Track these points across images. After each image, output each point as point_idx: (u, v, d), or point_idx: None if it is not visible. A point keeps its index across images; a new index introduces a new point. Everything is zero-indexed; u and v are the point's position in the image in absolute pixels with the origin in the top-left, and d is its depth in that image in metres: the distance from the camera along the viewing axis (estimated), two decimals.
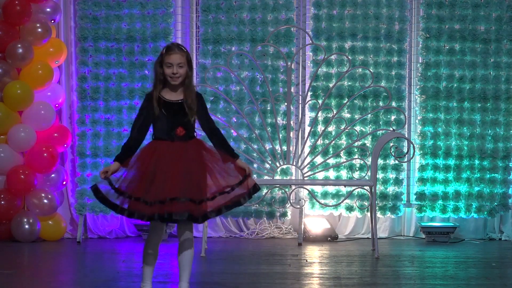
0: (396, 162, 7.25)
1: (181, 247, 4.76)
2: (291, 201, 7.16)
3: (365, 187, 7.01)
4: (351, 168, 7.33)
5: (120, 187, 4.63)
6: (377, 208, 7.18)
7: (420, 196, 7.37)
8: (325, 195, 7.36)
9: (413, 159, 7.34)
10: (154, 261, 4.85)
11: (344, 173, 7.38)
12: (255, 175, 6.93)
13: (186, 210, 4.55)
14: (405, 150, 7.06)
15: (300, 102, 7.36)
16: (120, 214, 4.67)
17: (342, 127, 7.25)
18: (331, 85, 7.29)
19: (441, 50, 7.39)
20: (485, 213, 7.35)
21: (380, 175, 7.32)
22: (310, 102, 7.30)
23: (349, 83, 7.33)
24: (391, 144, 6.95)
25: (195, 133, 4.78)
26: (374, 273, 6.01)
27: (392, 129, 7.04)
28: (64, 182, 7.50)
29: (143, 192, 4.57)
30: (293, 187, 7.14)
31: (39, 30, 7.29)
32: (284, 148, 7.23)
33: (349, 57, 7.26)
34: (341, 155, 7.34)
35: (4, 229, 7.29)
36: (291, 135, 7.33)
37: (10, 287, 5.39)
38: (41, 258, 6.62)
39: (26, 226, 7.21)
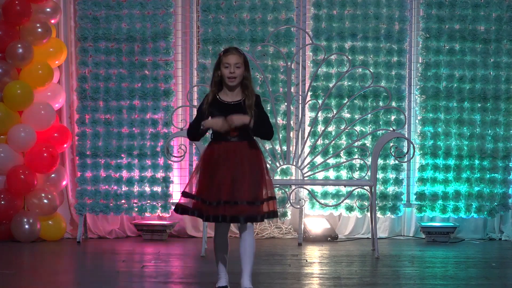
0: (396, 162, 7.25)
1: (241, 241, 4.82)
2: (291, 201, 7.16)
3: (365, 187, 7.01)
4: (351, 168, 7.33)
5: (191, 191, 4.86)
6: (377, 208, 7.18)
7: (420, 196, 7.37)
8: (325, 195, 7.36)
9: (413, 159, 7.34)
10: (225, 256, 4.95)
11: (344, 173, 7.38)
12: None
13: (243, 213, 4.71)
14: (405, 150, 7.06)
15: (300, 102, 7.36)
16: (191, 215, 4.87)
17: (342, 127, 7.25)
18: (331, 85, 7.28)
19: (441, 50, 7.39)
20: (485, 213, 7.35)
21: (380, 175, 7.32)
22: (310, 102, 7.30)
23: (349, 83, 7.33)
24: (391, 144, 6.95)
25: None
26: (374, 273, 6.01)
27: (392, 129, 7.04)
28: (65, 182, 7.50)
29: (206, 193, 4.76)
30: (293, 187, 7.14)
31: (39, 30, 7.29)
32: (284, 148, 7.23)
33: (349, 57, 7.25)
34: (341, 155, 7.34)
35: (4, 229, 7.29)
36: (291, 135, 7.32)
37: (10, 287, 5.39)
38: (41, 258, 6.62)
39: (26, 226, 7.21)
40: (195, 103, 7.37)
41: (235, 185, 4.72)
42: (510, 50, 7.36)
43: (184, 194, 4.87)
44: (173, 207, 7.46)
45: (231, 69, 4.77)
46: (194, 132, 4.88)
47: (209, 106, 4.83)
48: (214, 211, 4.73)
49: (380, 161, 7.27)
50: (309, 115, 7.36)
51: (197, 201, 4.80)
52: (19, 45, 7.23)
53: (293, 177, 7.42)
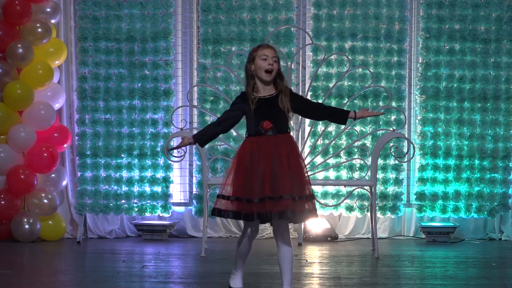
0: (396, 162, 7.25)
1: (279, 249, 4.71)
2: None
3: (365, 187, 7.01)
4: (351, 168, 7.33)
5: (226, 193, 4.68)
6: (377, 208, 7.18)
7: (420, 196, 7.37)
8: (325, 195, 7.36)
9: (413, 159, 7.34)
10: (246, 256, 4.89)
11: (344, 173, 7.38)
12: None
13: (289, 208, 4.53)
14: (405, 150, 7.06)
15: None
16: (227, 217, 4.74)
17: (342, 127, 7.25)
18: (331, 85, 7.29)
19: (441, 50, 7.39)
20: (485, 213, 7.35)
21: (380, 175, 7.32)
22: None
23: (349, 83, 7.34)
24: (391, 144, 6.95)
25: (288, 129, 4.78)
26: (374, 273, 6.01)
27: (392, 129, 7.04)
28: (65, 182, 7.50)
29: (244, 192, 4.59)
30: None
31: (39, 30, 7.29)
32: None
33: (349, 57, 7.25)
34: (341, 155, 7.34)
35: (4, 229, 7.29)
36: (291, 135, 7.31)
37: (10, 287, 5.39)
38: (41, 258, 6.62)
39: (26, 226, 7.21)
40: (195, 103, 7.38)
41: (276, 180, 4.55)
42: (510, 50, 7.37)
43: (219, 197, 4.69)
44: (173, 207, 7.48)
45: (269, 61, 4.64)
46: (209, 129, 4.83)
47: (243, 102, 4.71)
48: (258, 208, 4.55)
49: (380, 161, 7.27)
50: None
51: (233, 202, 4.62)
52: (19, 45, 7.23)
53: None
